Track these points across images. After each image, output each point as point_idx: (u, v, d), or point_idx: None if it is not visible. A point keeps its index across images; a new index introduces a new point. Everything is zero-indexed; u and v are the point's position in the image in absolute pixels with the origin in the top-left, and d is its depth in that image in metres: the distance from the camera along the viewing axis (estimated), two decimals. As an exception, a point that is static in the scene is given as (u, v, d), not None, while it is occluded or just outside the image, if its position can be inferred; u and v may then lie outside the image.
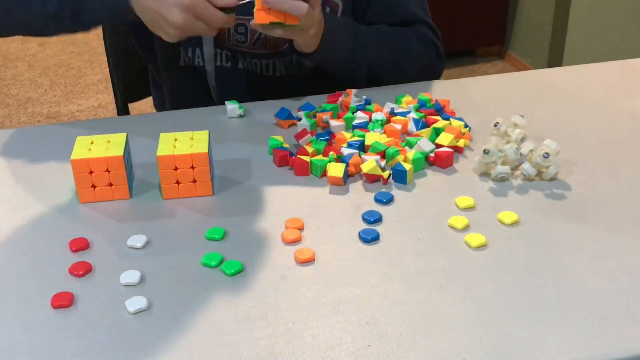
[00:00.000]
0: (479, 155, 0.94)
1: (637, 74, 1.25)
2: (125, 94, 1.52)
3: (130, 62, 1.50)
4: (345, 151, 0.96)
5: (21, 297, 0.75)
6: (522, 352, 0.67)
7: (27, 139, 1.06)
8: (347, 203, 0.89)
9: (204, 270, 0.78)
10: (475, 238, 0.81)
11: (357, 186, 0.93)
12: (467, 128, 1.04)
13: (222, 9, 0.99)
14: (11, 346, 0.68)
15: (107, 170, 0.88)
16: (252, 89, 1.23)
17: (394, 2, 1.23)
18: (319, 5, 1.05)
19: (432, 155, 0.97)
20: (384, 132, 1.02)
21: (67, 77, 3.42)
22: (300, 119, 1.07)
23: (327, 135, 1.02)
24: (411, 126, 1.03)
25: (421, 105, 1.09)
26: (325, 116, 1.06)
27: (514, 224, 0.85)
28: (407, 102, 1.11)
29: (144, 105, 2.25)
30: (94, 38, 3.66)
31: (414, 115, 1.05)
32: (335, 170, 0.92)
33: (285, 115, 1.08)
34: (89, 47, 3.69)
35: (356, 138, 0.99)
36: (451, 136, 0.98)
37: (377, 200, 0.89)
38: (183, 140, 0.90)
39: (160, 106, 1.43)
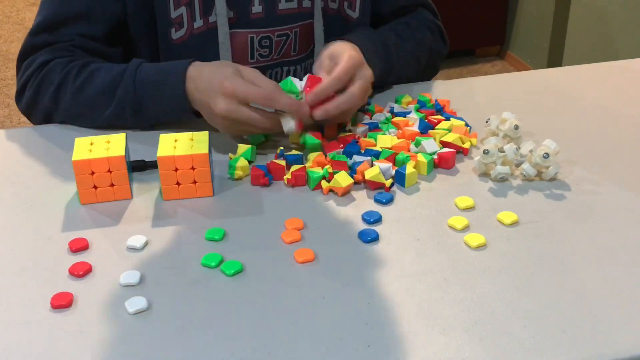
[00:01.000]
0: (478, 155, 0.94)
1: (637, 74, 1.25)
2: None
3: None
4: (358, 158, 0.94)
5: (21, 297, 0.75)
6: (522, 352, 0.67)
7: (27, 139, 1.06)
8: (347, 203, 0.89)
9: (204, 270, 0.78)
10: (475, 238, 0.81)
11: (357, 186, 0.92)
12: (468, 127, 1.04)
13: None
14: (11, 346, 0.68)
15: (109, 171, 0.88)
16: None
17: None
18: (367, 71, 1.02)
19: (436, 157, 0.96)
20: (399, 131, 1.01)
21: (67, 77, 3.41)
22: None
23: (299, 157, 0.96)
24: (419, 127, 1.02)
25: (421, 106, 1.09)
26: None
27: (514, 224, 0.85)
28: (407, 102, 1.12)
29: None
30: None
31: (414, 115, 1.05)
32: (343, 180, 0.90)
33: None
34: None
35: (371, 143, 0.98)
36: (457, 135, 0.99)
37: (377, 200, 0.89)
38: (183, 141, 0.90)
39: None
